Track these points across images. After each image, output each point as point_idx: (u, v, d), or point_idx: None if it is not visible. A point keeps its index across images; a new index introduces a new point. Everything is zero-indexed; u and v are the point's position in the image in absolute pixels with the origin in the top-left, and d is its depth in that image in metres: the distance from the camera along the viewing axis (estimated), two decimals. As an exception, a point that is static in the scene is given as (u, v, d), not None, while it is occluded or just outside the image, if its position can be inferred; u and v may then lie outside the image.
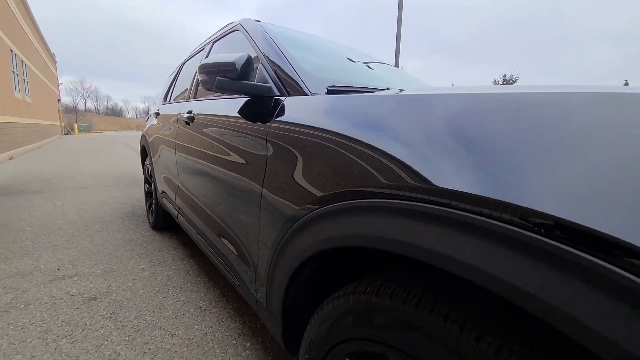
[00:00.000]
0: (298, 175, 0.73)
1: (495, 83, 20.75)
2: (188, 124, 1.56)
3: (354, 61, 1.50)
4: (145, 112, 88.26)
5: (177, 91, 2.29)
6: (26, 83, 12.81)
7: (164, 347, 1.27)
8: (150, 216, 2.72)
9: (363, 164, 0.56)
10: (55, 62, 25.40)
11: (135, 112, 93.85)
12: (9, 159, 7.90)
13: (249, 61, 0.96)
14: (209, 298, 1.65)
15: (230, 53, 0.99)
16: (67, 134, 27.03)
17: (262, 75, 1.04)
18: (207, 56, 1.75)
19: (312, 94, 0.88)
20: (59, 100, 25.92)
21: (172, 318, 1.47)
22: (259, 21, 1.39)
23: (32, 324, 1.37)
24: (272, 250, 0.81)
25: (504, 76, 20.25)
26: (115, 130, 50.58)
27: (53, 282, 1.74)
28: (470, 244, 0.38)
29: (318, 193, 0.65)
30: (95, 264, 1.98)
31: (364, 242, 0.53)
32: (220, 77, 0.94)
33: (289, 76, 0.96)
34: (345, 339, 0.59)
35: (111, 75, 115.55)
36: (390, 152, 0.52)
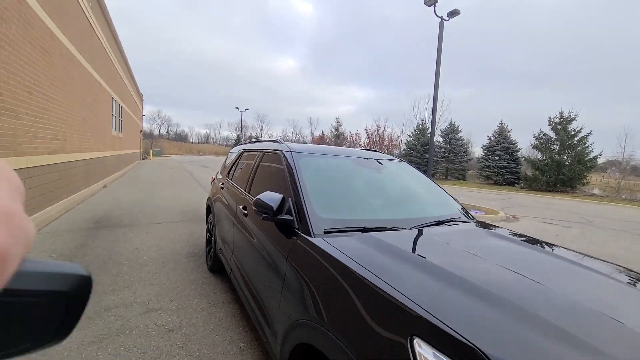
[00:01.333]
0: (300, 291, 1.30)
1: (551, 120, 19.49)
2: (245, 215, 2.25)
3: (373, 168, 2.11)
4: (206, 138, 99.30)
5: (237, 173, 3.09)
6: (120, 122, 15.89)
7: (216, 376, 1.86)
8: (208, 261, 3.49)
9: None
10: (142, 100, 30.73)
11: (198, 137, 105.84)
12: (103, 187, 9.86)
13: (282, 201, 1.59)
14: (247, 340, 2.23)
15: (273, 186, 1.66)
16: (143, 159, 31.59)
17: (289, 206, 1.64)
18: (259, 161, 2.47)
19: (314, 235, 1.45)
20: (141, 130, 30.95)
21: (221, 353, 2.07)
22: (295, 152, 2.05)
23: (135, 347, 2.08)
24: (285, 327, 1.36)
25: (561, 113, 19.00)
26: (180, 155, 57.61)
27: (146, 313, 2.50)
28: None
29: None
30: (172, 300, 2.72)
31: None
32: (264, 215, 1.58)
33: (304, 216, 1.55)
34: None
35: (180, 103, 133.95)
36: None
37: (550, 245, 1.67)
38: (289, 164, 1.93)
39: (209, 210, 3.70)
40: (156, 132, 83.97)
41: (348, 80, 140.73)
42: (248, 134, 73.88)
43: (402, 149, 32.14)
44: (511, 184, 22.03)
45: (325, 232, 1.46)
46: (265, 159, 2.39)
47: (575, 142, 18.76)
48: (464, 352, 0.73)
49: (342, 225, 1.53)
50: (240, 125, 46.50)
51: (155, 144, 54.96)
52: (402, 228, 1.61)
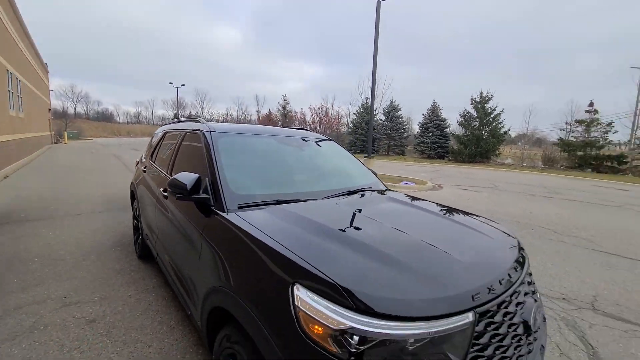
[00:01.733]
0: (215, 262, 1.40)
1: (473, 100, 21.98)
2: (165, 197, 2.22)
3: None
4: (137, 117, 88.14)
5: (160, 155, 2.96)
6: (20, 99, 13.23)
7: (143, 354, 1.91)
8: (137, 248, 3.35)
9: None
10: (47, 72, 25.72)
11: (127, 116, 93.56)
12: (4, 178, 8.36)
13: (198, 181, 1.64)
14: (178, 318, 2.30)
15: (194, 167, 1.70)
16: (56, 143, 27.04)
17: (206, 185, 1.70)
18: (181, 142, 2.42)
19: (228, 211, 1.55)
20: (49, 109, 26.16)
21: (150, 334, 2.11)
22: (215, 131, 2.07)
23: (51, 341, 2.00)
24: (202, 295, 1.47)
25: (481, 93, 21.52)
26: (105, 137, 50.54)
27: (62, 308, 2.36)
28: None
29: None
30: (93, 293, 2.60)
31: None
32: (178, 195, 1.61)
33: (219, 194, 1.63)
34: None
35: (101, 78, 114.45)
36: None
37: (433, 204, 2.03)
38: (207, 143, 1.95)
39: (133, 195, 3.49)
40: (71, 111, 71.86)
41: (296, 56, 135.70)
42: (187, 112, 67.65)
43: (349, 127, 33.15)
44: (442, 157, 24.62)
45: (239, 207, 1.57)
46: (186, 139, 2.35)
47: (491, 118, 21.59)
48: (327, 287, 0.93)
49: (256, 200, 1.66)
50: (176, 102, 42.27)
51: (72, 124, 47.08)
52: (314, 199, 1.79)
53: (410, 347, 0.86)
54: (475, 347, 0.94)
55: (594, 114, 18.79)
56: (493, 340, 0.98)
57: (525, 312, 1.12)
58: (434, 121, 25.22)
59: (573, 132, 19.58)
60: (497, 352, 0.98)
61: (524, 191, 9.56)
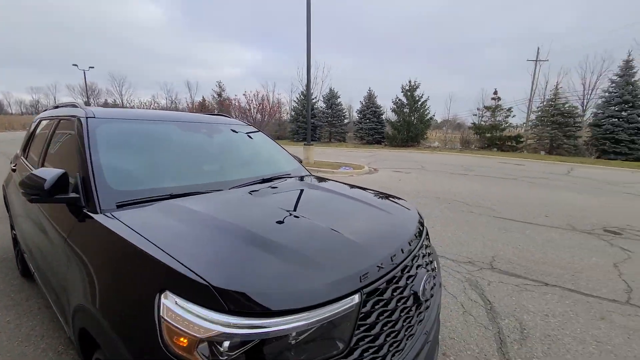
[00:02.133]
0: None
1: (403, 87, 23.66)
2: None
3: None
4: (35, 107, 72.57)
5: (32, 149, 2.40)
6: None
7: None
8: (18, 264, 2.74)
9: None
10: None
11: (21, 106, 76.74)
12: None
13: (63, 178, 1.33)
14: (68, 342, 1.94)
15: (67, 161, 1.38)
16: None
17: (76, 183, 1.40)
18: (54, 131, 1.98)
19: (102, 211, 1.29)
20: None
21: (30, 365, 1.73)
22: (93, 117, 1.71)
23: None
24: (71, 317, 1.22)
25: (409, 81, 23.30)
26: (-9, 131, 40.76)
27: None
28: None
29: None
30: (-51, 326, 2.04)
31: None
32: (33, 196, 1.29)
33: (91, 192, 1.35)
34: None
35: None
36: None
37: (345, 186, 2.05)
38: (81, 131, 1.61)
39: (6, 202, 2.82)
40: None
41: (231, 40, 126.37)
42: (102, 100, 58.30)
43: (291, 114, 32.70)
44: (379, 142, 26.10)
45: (119, 206, 1.32)
46: (60, 128, 1.93)
47: (419, 105, 23.54)
48: (199, 289, 0.81)
49: (143, 196, 1.42)
50: (85, 88, 35.99)
51: (-63, 116, 36.60)
52: (219, 190, 1.63)
53: (294, 342, 0.81)
54: (362, 328, 0.94)
55: (498, 101, 21.89)
56: (381, 318, 1.00)
57: (416, 283, 1.18)
58: (370, 108, 26.42)
59: (483, 117, 22.57)
60: (384, 329, 1.00)
61: (446, 170, 10.72)
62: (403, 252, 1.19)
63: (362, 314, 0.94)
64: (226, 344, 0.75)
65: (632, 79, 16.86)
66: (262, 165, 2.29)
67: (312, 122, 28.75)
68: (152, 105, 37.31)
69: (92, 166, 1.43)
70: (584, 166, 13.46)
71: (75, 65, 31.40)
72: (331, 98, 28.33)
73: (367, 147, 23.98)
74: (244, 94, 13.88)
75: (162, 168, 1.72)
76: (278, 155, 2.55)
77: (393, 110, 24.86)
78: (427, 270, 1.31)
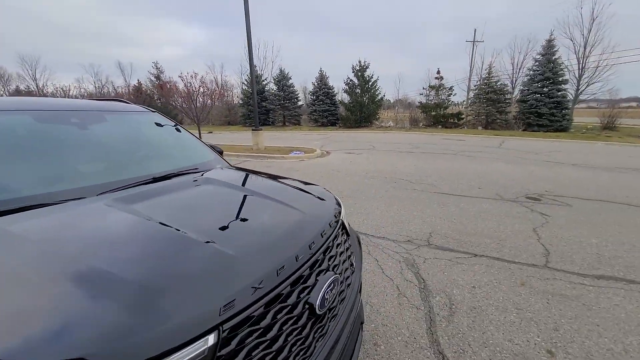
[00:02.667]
0: None
1: (354, 68, 23.68)
2: None
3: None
4: None
5: None
6: None
7: None
8: None
9: None
10: None
11: None
12: None
13: None
14: None
15: None
16: None
17: None
18: None
19: None
20: None
21: None
22: None
23: None
24: None
25: (359, 62, 23.36)
26: None
27: None
28: None
29: None
30: None
31: None
32: None
33: None
34: None
35: None
36: None
37: (260, 178, 1.82)
38: None
39: None
40: None
41: (168, 15, 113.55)
42: (13, 87, 48.94)
43: (240, 98, 30.96)
44: (333, 124, 26.12)
45: None
46: None
47: (369, 85, 23.85)
48: None
49: None
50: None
51: None
52: (79, 198, 1.26)
53: None
54: None
55: (441, 80, 23.05)
56: (255, 353, 0.81)
57: (313, 295, 1.01)
58: (323, 89, 26.07)
59: (429, 96, 23.68)
60: None
61: (395, 149, 11.06)
62: (298, 260, 1.01)
63: (223, 356, 0.74)
64: None
65: (553, 57, 18.82)
66: (160, 160, 1.91)
67: (264, 106, 27.75)
68: (71, 92, 32.40)
69: None
70: (513, 139, 14.95)
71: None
72: (282, 79, 27.35)
73: (322, 129, 23.86)
74: (179, 76, 12.52)
75: (5, 172, 1.29)
76: (187, 147, 2.20)
77: (345, 91, 24.88)
78: (335, 274, 1.16)
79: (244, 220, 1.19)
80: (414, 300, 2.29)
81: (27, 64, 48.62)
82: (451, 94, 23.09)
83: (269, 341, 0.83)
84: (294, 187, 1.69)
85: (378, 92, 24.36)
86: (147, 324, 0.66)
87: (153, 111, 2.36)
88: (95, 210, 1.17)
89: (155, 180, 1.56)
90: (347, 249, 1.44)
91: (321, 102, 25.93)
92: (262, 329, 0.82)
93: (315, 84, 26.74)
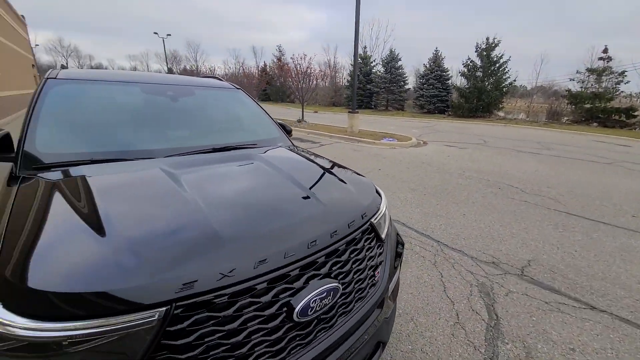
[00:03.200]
0: None
1: (478, 46, 20.07)
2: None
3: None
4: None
5: None
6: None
7: None
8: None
9: None
10: (25, 25, 23.93)
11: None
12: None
13: (4, 138, 1.36)
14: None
15: None
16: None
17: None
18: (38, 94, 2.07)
19: (18, 173, 1.27)
20: (33, 65, 24.94)
21: None
22: (54, 78, 1.71)
23: None
24: None
25: (487, 38, 19.60)
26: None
27: None
28: None
29: None
30: None
31: None
32: None
33: (19, 151, 1.34)
34: None
35: (92, 29, 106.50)
36: None
37: (308, 162, 1.73)
38: (35, 92, 1.62)
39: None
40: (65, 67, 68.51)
41: (297, 1, 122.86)
42: (182, 66, 64.05)
43: (346, 79, 31.28)
44: (442, 112, 23.36)
45: (35, 168, 1.30)
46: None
47: (496, 68, 19.83)
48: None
49: (64, 160, 1.37)
50: (165, 56, 39.73)
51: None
52: (150, 158, 1.48)
53: (70, 350, 0.65)
54: (173, 350, 0.73)
55: (607, 61, 16.94)
56: (208, 339, 0.76)
57: (297, 299, 0.88)
58: (435, 72, 23.39)
59: (584, 82, 17.90)
60: (214, 353, 0.77)
61: (513, 147, 9.05)
62: (285, 257, 0.89)
63: (172, 331, 0.72)
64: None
65: None
66: (227, 133, 2.06)
67: (369, 89, 27.24)
68: (215, 71, 39.46)
69: (27, 126, 1.43)
70: None
71: (156, 33, 34.55)
72: (390, 61, 25.96)
73: (427, 116, 21.75)
74: (291, 58, 13.49)
75: (100, 131, 1.63)
76: (256, 123, 2.30)
77: (462, 74, 21.62)
78: (337, 282, 0.99)
79: (257, 203, 1.14)
80: (473, 338, 1.85)
81: (192, 48, 62.49)
82: (621, 81, 16.90)
83: (226, 332, 0.77)
84: (336, 177, 1.53)
85: (507, 76, 20.13)
86: (116, 279, 0.71)
87: (238, 88, 2.56)
88: (147, 169, 1.34)
89: (215, 150, 1.70)
90: (372, 257, 1.22)
91: (431, 87, 23.48)
92: (221, 319, 0.77)
93: (427, 65, 24.26)
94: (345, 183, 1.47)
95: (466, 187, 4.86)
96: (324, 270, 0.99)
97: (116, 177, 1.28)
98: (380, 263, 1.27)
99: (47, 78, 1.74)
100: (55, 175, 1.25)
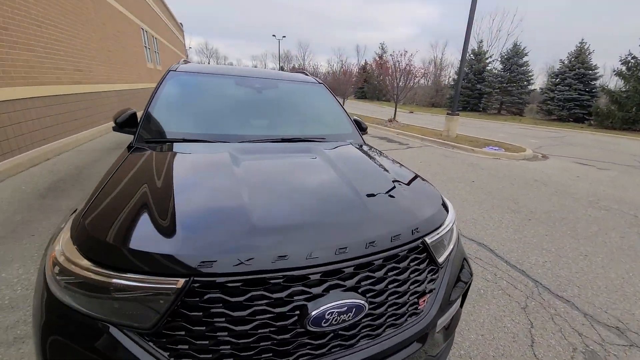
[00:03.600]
0: None
1: None
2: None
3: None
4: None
5: None
6: (157, 54, 16.49)
7: None
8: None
9: None
10: (182, 31, 30.75)
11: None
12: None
13: (130, 116, 1.78)
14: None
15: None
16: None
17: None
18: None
19: (134, 145, 1.62)
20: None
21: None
22: (175, 70, 2.13)
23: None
24: None
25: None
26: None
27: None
28: None
29: None
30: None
31: None
32: (113, 126, 1.80)
33: (138, 128, 1.72)
34: None
35: (229, 34, 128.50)
36: None
37: (374, 165, 1.62)
38: (160, 81, 2.04)
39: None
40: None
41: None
42: (292, 65, 70.62)
43: (451, 78, 28.28)
44: (580, 120, 18.50)
45: (147, 141, 1.64)
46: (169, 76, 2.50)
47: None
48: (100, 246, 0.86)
49: (165, 137, 1.70)
50: (279, 56, 44.47)
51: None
52: (225, 142, 1.66)
53: (117, 294, 0.79)
54: (181, 320, 0.79)
55: None
56: (217, 320, 0.79)
57: (313, 305, 0.83)
58: (575, 69, 18.54)
59: None
60: (219, 334, 0.80)
61: (692, 176, 6.43)
62: (307, 259, 0.85)
63: (188, 303, 0.78)
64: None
65: None
66: (300, 124, 2.15)
67: (479, 89, 24.00)
68: (318, 69, 41.52)
69: (147, 108, 1.82)
70: None
71: (274, 35, 39.03)
72: (513, 57, 22.03)
73: (556, 124, 17.62)
74: (390, 55, 12.97)
75: (195, 115, 1.94)
76: (330, 118, 2.32)
77: (619, 74, 16.45)
78: (364, 300, 0.90)
79: (298, 197, 1.15)
80: (563, 419, 1.41)
81: (302, 48, 68.01)
82: None
83: (234, 318, 0.80)
84: (396, 182, 1.37)
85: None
86: (158, 245, 0.82)
87: (320, 83, 2.63)
88: (219, 152, 1.51)
89: (284, 140, 1.80)
90: (418, 282, 1.05)
91: (567, 88, 18.87)
92: (231, 303, 0.79)
93: (566, 61, 19.51)
94: (404, 190, 1.31)
95: (597, 221, 3.73)
96: (349, 283, 0.90)
97: (193, 157, 1.49)
98: (430, 291, 1.09)
99: (170, 70, 2.15)
100: (154, 148, 1.55)
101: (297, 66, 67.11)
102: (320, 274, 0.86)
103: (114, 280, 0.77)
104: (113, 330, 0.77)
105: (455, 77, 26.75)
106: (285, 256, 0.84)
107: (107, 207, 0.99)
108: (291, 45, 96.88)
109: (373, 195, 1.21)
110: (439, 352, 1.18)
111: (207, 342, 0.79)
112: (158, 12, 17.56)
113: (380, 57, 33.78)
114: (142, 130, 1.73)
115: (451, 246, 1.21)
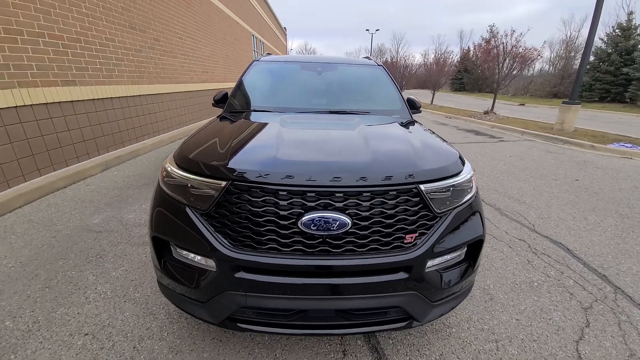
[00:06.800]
0: None
1: None
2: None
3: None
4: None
5: None
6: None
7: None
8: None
9: None
10: (285, 34, 34.18)
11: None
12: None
13: (224, 95, 2.43)
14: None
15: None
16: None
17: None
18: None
19: (222, 114, 2.21)
20: (285, 63, 35.35)
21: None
22: (258, 60, 2.72)
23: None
24: None
25: None
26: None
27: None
28: None
29: None
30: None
31: None
32: (213, 102, 2.48)
33: (226, 102, 2.35)
34: None
35: (325, 33, 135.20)
36: None
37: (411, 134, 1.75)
38: (245, 69, 2.65)
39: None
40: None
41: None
42: (384, 58, 69.00)
43: (590, 62, 22.39)
44: None
45: (230, 112, 2.24)
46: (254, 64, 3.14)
47: None
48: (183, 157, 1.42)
49: (241, 109, 2.26)
50: (370, 49, 44.17)
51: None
52: (283, 112, 2.09)
53: (187, 186, 1.27)
54: (223, 207, 1.20)
55: None
56: (242, 209, 1.17)
57: (307, 215, 1.13)
58: None
59: None
60: (241, 219, 1.18)
61: None
62: (308, 181, 1.15)
63: (225, 199, 1.19)
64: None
65: None
66: (348, 100, 2.43)
67: (625, 73, 18.48)
68: (407, 60, 39.29)
69: (235, 89, 2.43)
70: None
71: (367, 30, 39.04)
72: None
73: None
74: (492, 37, 11.32)
75: (266, 92, 2.49)
76: (381, 96, 2.51)
77: None
78: (350, 219, 1.15)
79: (318, 144, 1.51)
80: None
81: (396, 40, 65.41)
82: None
83: (253, 211, 1.17)
84: (414, 142, 1.55)
85: None
86: (214, 160, 1.30)
87: (380, 65, 2.82)
88: (276, 117, 1.94)
89: (331, 112, 2.13)
90: (407, 221, 1.21)
91: None
92: (252, 201, 1.16)
93: None
94: (416, 148, 1.46)
95: None
96: (339, 205, 1.15)
97: (256, 119, 1.99)
98: (422, 233, 1.23)
99: (254, 60, 2.74)
100: (233, 115, 2.11)
101: (389, 60, 64.77)
102: (315, 193, 1.15)
103: (191, 179, 1.27)
104: (187, 210, 1.27)
105: (593, 59, 21.18)
106: (291, 176, 1.17)
107: (193, 142, 1.56)
108: (385, 38, 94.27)
109: (382, 148, 1.44)
110: (439, 300, 1.30)
111: (236, 224, 1.20)
112: (266, 20, 20.06)
113: (488, 41, 29.37)
114: (228, 105, 2.34)
115: (460, 201, 1.32)
